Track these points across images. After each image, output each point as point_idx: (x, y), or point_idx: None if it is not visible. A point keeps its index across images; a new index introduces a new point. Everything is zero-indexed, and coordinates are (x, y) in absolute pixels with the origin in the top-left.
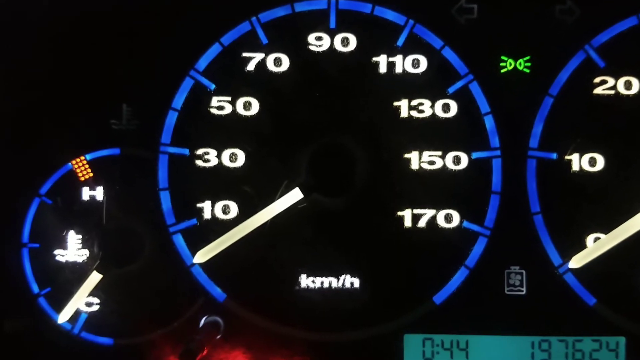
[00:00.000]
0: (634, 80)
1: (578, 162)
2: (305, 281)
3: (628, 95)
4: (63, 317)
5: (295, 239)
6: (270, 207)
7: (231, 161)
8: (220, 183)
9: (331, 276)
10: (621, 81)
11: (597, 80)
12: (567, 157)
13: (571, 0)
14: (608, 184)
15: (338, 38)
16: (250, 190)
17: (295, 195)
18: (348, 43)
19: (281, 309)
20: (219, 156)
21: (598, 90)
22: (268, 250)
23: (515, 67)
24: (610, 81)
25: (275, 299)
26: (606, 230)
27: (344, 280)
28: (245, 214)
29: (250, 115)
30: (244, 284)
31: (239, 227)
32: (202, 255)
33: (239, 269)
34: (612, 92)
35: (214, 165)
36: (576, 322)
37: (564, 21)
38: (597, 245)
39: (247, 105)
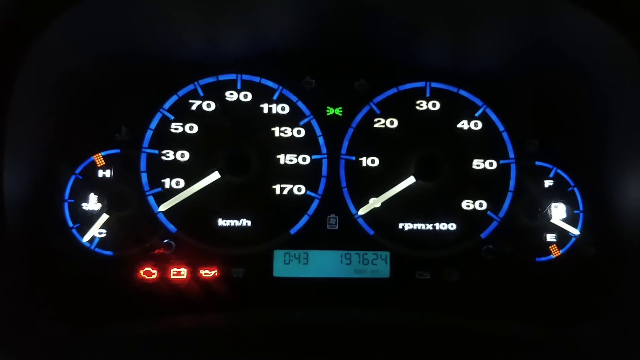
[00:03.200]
0: (395, 120)
1: (365, 161)
2: (222, 222)
3: (392, 128)
4: (85, 239)
5: (219, 198)
6: (204, 179)
7: (181, 157)
8: (174, 169)
9: (235, 219)
10: (388, 120)
11: (375, 120)
12: (359, 159)
13: (364, 79)
14: (381, 173)
15: (242, 93)
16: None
17: (215, 175)
18: (246, 96)
19: (209, 237)
20: (174, 154)
21: (377, 125)
22: (203, 204)
23: (334, 112)
24: (382, 120)
25: (206, 231)
26: (378, 195)
27: (242, 222)
28: (188, 185)
29: (193, 134)
30: (189, 222)
31: (185, 191)
32: (164, 206)
33: (186, 214)
34: (383, 126)
35: (171, 160)
36: (365, 244)
37: (360, 88)
38: (371, 202)
39: (191, 128)
